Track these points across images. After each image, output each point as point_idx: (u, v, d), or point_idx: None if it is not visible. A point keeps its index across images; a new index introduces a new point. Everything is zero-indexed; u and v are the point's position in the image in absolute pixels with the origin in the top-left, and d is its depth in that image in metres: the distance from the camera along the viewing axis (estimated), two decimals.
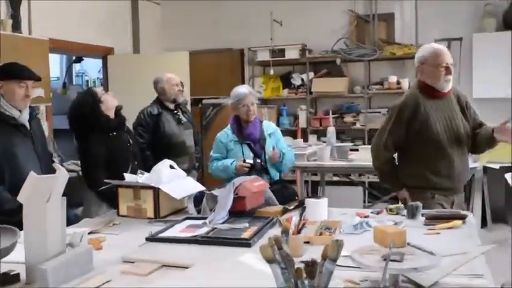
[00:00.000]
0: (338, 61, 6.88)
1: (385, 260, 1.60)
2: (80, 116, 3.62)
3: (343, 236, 2.51)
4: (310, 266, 1.28)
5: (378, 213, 2.96)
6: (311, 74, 7.18)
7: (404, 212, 2.87)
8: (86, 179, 3.65)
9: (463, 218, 2.71)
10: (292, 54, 7.17)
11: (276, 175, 4.02)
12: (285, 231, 1.46)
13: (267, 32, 7.11)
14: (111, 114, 3.68)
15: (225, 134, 4.04)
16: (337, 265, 1.97)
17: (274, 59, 7.17)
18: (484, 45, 6.61)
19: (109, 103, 3.67)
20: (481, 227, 6.42)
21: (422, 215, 2.79)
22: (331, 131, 5.15)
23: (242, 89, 4.06)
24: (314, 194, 6.69)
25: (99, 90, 3.80)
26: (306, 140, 6.64)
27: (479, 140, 3.31)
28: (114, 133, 3.68)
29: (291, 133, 6.95)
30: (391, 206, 2.97)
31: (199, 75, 7.13)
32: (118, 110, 3.75)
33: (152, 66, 6.16)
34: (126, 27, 7.39)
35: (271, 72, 7.20)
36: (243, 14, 7.60)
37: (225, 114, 6.97)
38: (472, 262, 2.10)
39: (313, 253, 2.22)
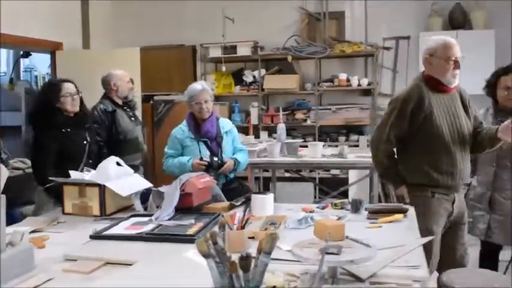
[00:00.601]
0: (289, 58, 6.94)
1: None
2: (38, 110, 3.55)
3: (287, 230, 2.56)
4: (245, 259, 1.30)
5: (323, 208, 3.02)
6: (263, 71, 7.22)
7: (349, 206, 2.94)
8: (34, 176, 3.58)
9: (404, 211, 2.79)
10: (244, 51, 7.19)
11: (232, 173, 4.03)
12: (222, 226, 1.48)
13: (219, 28, 7.10)
14: (73, 108, 3.62)
15: (181, 130, 3.99)
16: (278, 259, 2.03)
17: (226, 56, 7.18)
18: None
19: (69, 89, 3.62)
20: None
21: (366, 209, 2.86)
22: (281, 127, 5.19)
23: (196, 86, 4.01)
24: (266, 190, 6.74)
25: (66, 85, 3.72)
26: (257, 136, 6.68)
27: (481, 139, 3.21)
28: (69, 129, 3.62)
29: (242, 130, 6.97)
30: (336, 201, 3.03)
31: (151, 71, 7.07)
32: (82, 105, 3.70)
33: (102, 62, 6.06)
34: (76, 22, 7.25)
35: (223, 69, 7.22)
36: (195, 11, 7.58)
37: (177, 110, 6.96)
38: (410, 254, 2.18)
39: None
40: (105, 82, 4.62)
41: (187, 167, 3.82)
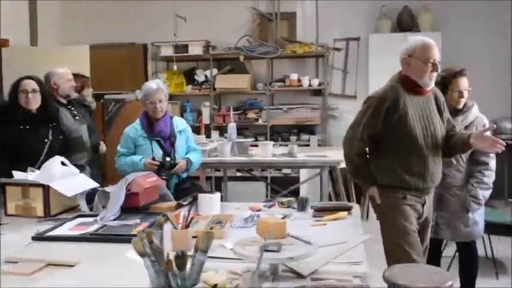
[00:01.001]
0: (241, 58, 6.96)
1: (265, 250, 1.66)
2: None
3: (234, 229, 2.57)
4: (180, 257, 1.30)
5: (270, 206, 3.05)
6: (215, 71, 7.22)
7: (295, 205, 2.98)
8: None
9: (348, 209, 2.86)
10: (195, 50, 7.17)
11: (184, 173, 4.00)
12: (159, 226, 1.48)
13: (170, 27, 7.06)
14: (27, 106, 3.54)
15: (134, 129, 3.92)
16: (222, 258, 2.05)
17: (178, 55, 7.14)
18: (379, 45, 6.92)
19: (24, 86, 3.55)
20: (377, 218, 6.75)
21: (312, 207, 2.91)
22: (232, 126, 5.21)
23: (152, 85, 3.93)
24: (217, 189, 6.74)
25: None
26: (208, 136, 6.66)
27: (454, 143, 3.15)
28: (28, 127, 3.55)
29: (194, 129, 6.88)
30: (283, 200, 3.07)
31: (101, 70, 6.95)
32: (47, 102, 3.62)
33: (50, 60, 5.93)
34: (23, 18, 7.06)
35: (175, 68, 7.17)
36: (147, 9, 7.49)
37: (128, 109, 6.88)
38: (352, 250, 2.23)
39: None
40: (46, 81, 4.52)
41: (139, 167, 3.74)
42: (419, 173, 3.02)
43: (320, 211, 2.83)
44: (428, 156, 3.03)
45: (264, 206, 3.05)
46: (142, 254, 1.35)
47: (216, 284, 1.68)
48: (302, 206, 2.93)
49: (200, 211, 2.83)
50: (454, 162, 3.58)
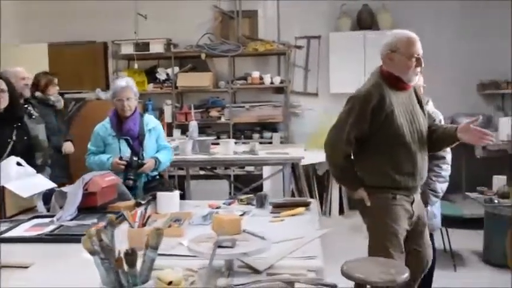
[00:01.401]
0: (203, 56, 6.95)
1: (218, 247, 1.67)
2: None
3: (192, 227, 2.58)
4: (130, 255, 1.31)
5: (229, 204, 3.07)
6: (176, 69, 7.19)
7: (255, 201, 3.01)
8: None
9: (306, 205, 2.89)
10: (157, 48, 7.12)
11: (154, 172, 3.95)
12: (110, 223, 1.48)
13: (131, 25, 7.00)
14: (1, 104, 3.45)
15: (104, 127, 3.87)
16: (179, 255, 2.05)
17: (139, 53, 7.08)
18: (339, 43, 7.02)
19: None
20: (339, 214, 6.85)
21: (270, 203, 2.94)
22: (193, 125, 5.20)
23: (120, 83, 3.88)
24: (181, 188, 6.72)
25: None
26: (170, 134, 6.65)
27: (437, 137, 3.08)
28: None
29: None
30: (242, 197, 3.09)
31: (60, 68, 6.82)
32: (14, 101, 3.52)
33: (7, 59, 5.82)
34: None
35: (136, 66, 7.11)
36: (107, 6, 7.39)
37: (88, 108, 6.81)
38: (307, 245, 2.26)
39: (162, 245, 2.26)
40: None
41: (106, 166, 3.72)
42: (408, 171, 2.94)
43: (278, 207, 2.86)
44: (417, 153, 2.95)
45: (224, 204, 3.07)
46: (91, 252, 1.35)
47: (171, 282, 1.69)
48: (261, 202, 2.96)
49: (159, 209, 2.82)
50: None
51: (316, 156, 6.63)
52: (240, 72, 7.31)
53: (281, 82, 7.09)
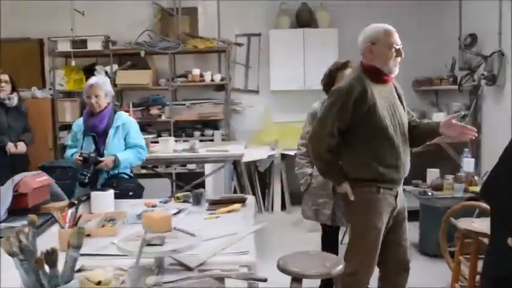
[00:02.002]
0: (142, 53, 6.86)
1: (148, 245, 1.67)
2: None
3: (127, 225, 2.56)
4: (51, 254, 1.29)
5: (166, 202, 3.06)
6: (115, 66, 7.06)
7: (191, 199, 3.01)
8: None
9: (242, 201, 2.92)
10: (94, 45, 6.97)
11: (115, 170, 3.87)
12: (31, 224, 1.45)
13: (67, 21, 6.82)
14: None
15: (78, 123, 3.95)
16: (110, 254, 2.03)
17: (76, 50, 6.90)
18: (279, 40, 7.08)
19: None
20: (281, 210, 6.93)
21: (207, 200, 2.95)
22: None
23: (91, 80, 3.90)
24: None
25: None
26: None
27: (419, 132, 3.10)
28: None
29: None
30: (179, 194, 3.09)
31: None
32: None
33: None
34: None
35: (73, 63, 6.94)
36: (42, 2, 7.18)
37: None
38: (241, 241, 2.29)
39: (94, 245, 2.24)
40: None
41: (70, 161, 3.83)
42: (392, 164, 2.95)
43: (214, 204, 2.87)
44: (399, 146, 2.95)
45: (160, 202, 3.06)
46: (10, 254, 1.32)
47: (99, 281, 1.67)
48: (197, 200, 2.96)
49: (93, 209, 2.79)
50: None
51: (257, 153, 6.69)
52: (180, 70, 7.26)
53: (222, 79, 7.09)
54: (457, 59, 6.54)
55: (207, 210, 2.84)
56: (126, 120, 3.96)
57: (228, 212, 2.78)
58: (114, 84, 6.93)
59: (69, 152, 3.90)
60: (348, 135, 2.96)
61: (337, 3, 7.13)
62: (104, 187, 3.55)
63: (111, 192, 2.83)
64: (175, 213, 2.76)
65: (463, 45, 6.23)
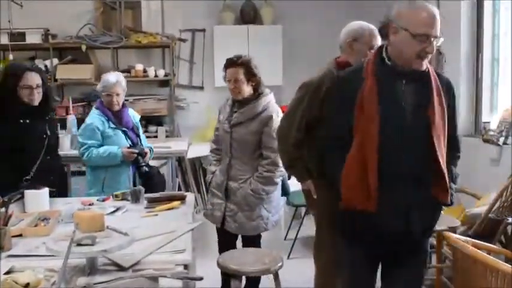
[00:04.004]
0: (83, 47, 6.69)
1: (78, 244, 1.63)
2: None
3: (62, 225, 2.50)
4: None
5: (103, 200, 3.01)
6: (55, 61, 6.85)
7: (130, 197, 2.97)
8: None
9: (182, 198, 2.90)
10: (33, 38, 6.73)
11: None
12: None
13: (4, 13, 6.58)
14: (31, 102, 3.24)
15: (100, 121, 3.92)
16: (41, 255, 1.98)
17: (14, 43, 6.66)
18: (224, 37, 7.06)
19: (28, 81, 3.24)
20: (309, 207, 6.90)
21: (146, 198, 2.91)
22: (71, 119, 5.03)
23: (111, 78, 4.00)
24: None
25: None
26: None
27: None
28: (27, 121, 3.24)
29: None
30: (117, 192, 3.04)
31: None
32: (46, 94, 3.35)
33: None
34: None
35: (11, 57, 6.69)
36: None
37: None
38: (178, 239, 2.27)
39: (27, 245, 2.17)
40: None
41: (118, 157, 3.81)
42: None
43: (153, 202, 2.84)
44: None
45: (98, 200, 3.00)
46: None
47: (28, 283, 1.63)
48: (136, 197, 2.93)
49: (27, 208, 2.71)
50: (241, 154, 3.54)
51: (201, 149, 6.65)
52: (123, 65, 7.11)
53: (166, 75, 7.00)
54: None
55: (146, 208, 2.80)
56: (138, 116, 4.30)
57: (167, 209, 2.76)
58: (54, 79, 6.78)
59: (111, 149, 3.83)
60: (313, 131, 2.90)
61: (282, 0, 7.17)
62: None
63: (45, 190, 2.76)
64: (112, 212, 2.72)
65: None
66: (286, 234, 5.35)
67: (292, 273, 4.28)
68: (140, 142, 4.04)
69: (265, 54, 6.37)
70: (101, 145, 3.88)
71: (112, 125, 3.92)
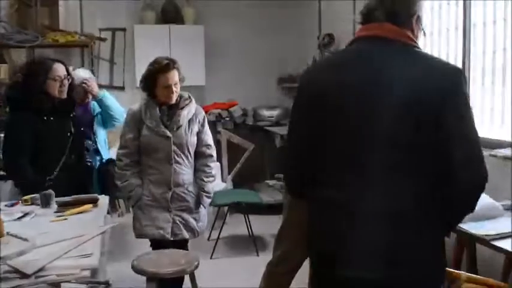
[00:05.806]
0: None
1: None
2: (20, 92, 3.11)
3: None
4: None
5: (12, 205, 2.90)
6: None
7: (39, 201, 2.88)
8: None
9: (94, 201, 2.84)
10: None
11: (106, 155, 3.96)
12: None
13: None
14: (60, 95, 3.18)
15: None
16: None
17: None
18: (145, 36, 6.95)
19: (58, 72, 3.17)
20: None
21: (56, 202, 2.84)
22: None
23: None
24: None
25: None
26: None
27: None
28: (52, 118, 3.16)
29: None
30: (26, 197, 2.94)
31: None
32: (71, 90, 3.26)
33: None
34: None
35: None
36: None
37: None
38: (87, 243, 2.23)
39: None
40: None
41: None
42: None
43: (64, 206, 2.77)
44: None
45: (6, 206, 2.89)
46: None
47: None
48: (46, 202, 2.84)
49: None
50: (183, 158, 3.47)
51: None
52: None
53: None
54: (317, 58, 6.82)
55: (56, 212, 2.73)
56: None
57: (78, 213, 2.70)
58: None
59: None
60: None
61: (203, 0, 7.17)
62: None
63: None
64: (20, 217, 2.63)
65: (322, 45, 6.48)
66: (210, 234, 5.36)
67: (214, 272, 4.31)
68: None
69: (187, 54, 6.34)
70: None
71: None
